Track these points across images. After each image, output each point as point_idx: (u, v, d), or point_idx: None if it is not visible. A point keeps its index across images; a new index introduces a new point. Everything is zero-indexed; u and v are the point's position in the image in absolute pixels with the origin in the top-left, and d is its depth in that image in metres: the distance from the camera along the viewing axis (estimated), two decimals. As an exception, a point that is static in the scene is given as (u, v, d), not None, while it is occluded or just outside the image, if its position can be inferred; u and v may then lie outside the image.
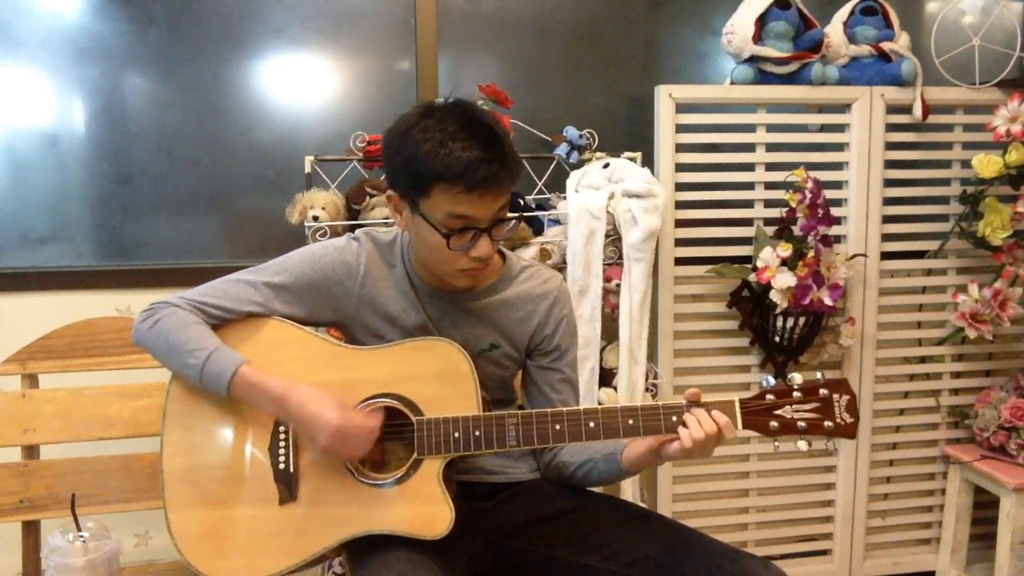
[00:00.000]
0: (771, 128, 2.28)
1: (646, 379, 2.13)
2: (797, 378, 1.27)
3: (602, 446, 1.42)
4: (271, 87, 2.32)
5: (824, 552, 2.45)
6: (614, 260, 2.10)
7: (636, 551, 1.35)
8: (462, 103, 1.29)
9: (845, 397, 1.27)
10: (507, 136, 1.27)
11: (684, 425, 1.26)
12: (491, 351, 1.44)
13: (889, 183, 2.33)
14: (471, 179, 1.21)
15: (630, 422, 1.28)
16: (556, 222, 2.15)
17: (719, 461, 2.34)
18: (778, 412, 1.26)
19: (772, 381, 1.28)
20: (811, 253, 2.08)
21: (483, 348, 1.43)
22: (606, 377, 2.13)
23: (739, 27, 2.19)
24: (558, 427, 1.30)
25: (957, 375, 2.45)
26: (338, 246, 1.41)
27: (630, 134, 2.44)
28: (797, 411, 1.26)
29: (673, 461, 1.32)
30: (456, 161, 1.21)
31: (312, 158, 2.07)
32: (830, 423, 1.26)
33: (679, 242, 2.25)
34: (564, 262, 2.09)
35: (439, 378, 1.32)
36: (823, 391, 1.27)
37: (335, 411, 1.24)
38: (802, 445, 1.27)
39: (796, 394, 1.27)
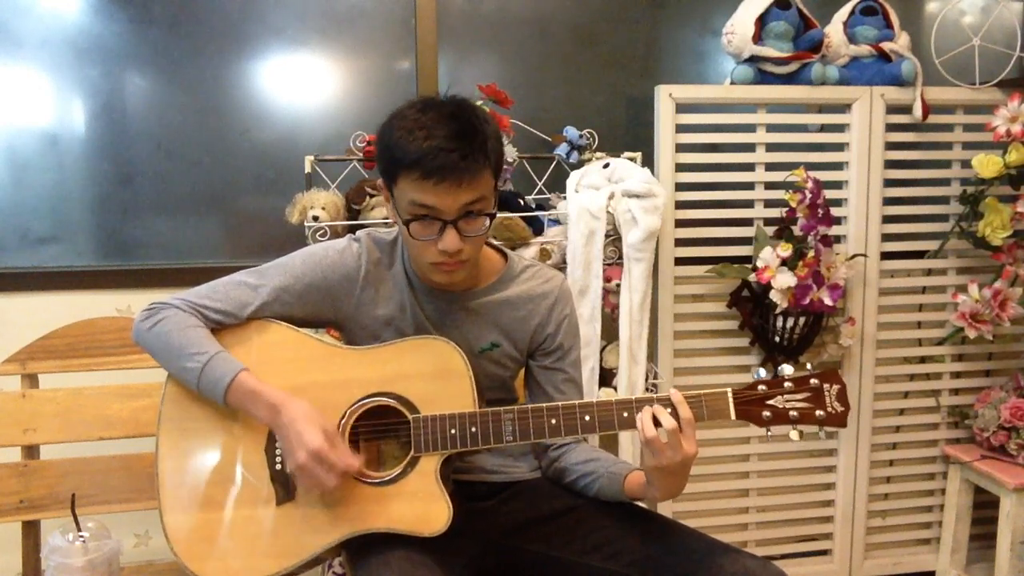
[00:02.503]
0: (771, 128, 2.28)
1: (646, 379, 2.13)
2: (787, 369, 1.29)
3: (609, 463, 1.42)
4: (271, 87, 2.32)
5: (824, 552, 2.45)
6: (614, 260, 2.11)
7: (636, 551, 1.34)
8: (455, 99, 1.29)
9: (835, 387, 1.28)
10: (490, 135, 1.26)
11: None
12: (492, 350, 1.44)
13: (889, 183, 2.33)
14: (427, 166, 1.21)
15: (624, 415, 1.28)
16: (556, 222, 2.15)
17: (719, 461, 2.34)
18: (770, 402, 1.28)
19: (764, 373, 1.29)
20: (811, 253, 2.08)
21: (484, 347, 1.43)
22: (606, 377, 2.13)
23: (739, 27, 2.19)
24: (554, 422, 1.30)
25: (957, 375, 2.45)
26: (338, 247, 1.41)
27: (630, 134, 2.44)
28: (789, 400, 1.28)
29: (666, 489, 1.29)
30: (416, 149, 1.21)
31: (312, 158, 2.07)
32: (821, 412, 1.27)
33: (679, 242, 2.25)
34: (564, 262, 2.09)
35: (435, 376, 1.32)
36: (813, 381, 1.28)
37: (320, 436, 1.23)
38: (794, 435, 1.28)
39: (787, 384, 1.28)
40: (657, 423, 1.23)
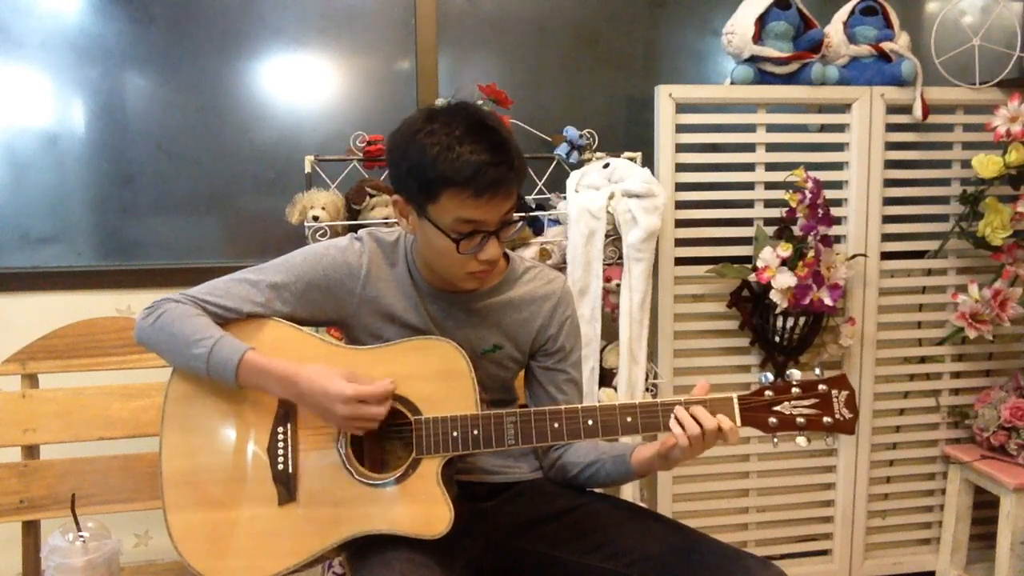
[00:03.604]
0: (771, 128, 2.28)
1: (646, 379, 2.13)
2: (796, 374, 1.27)
3: (610, 447, 1.42)
4: (271, 87, 2.32)
5: (824, 552, 2.45)
6: (614, 260, 2.10)
7: (636, 551, 1.35)
8: (465, 105, 1.29)
9: (844, 393, 1.26)
10: (513, 138, 1.27)
11: (678, 422, 1.25)
12: (494, 352, 1.44)
13: (889, 183, 2.33)
14: (480, 183, 1.20)
15: (628, 419, 1.28)
16: (556, 222, 2.15)
17: (719, 461, 2.34)
18: (777, 408, 1.26)
19: (770, 378, 1.28)
20: (811, 253, 2.08)
21: (486, 349, 1.43)
22: (606, 377, 2.13)
23: (739, 27, 2.19)
24: (556, 425, 1.30)
25: (957, 375, 2.45)
26: (340, 246, 1.41)
27: (630, 134, 2.44)
28: (796, 407, 1.26)
29: (679, 463, 1.31)
30: (465, 165, 1.20)
31: (312, 158, 2.07)
32: (829, 419, 1.26)
33: (679, 242, 2.25)
34: (564, 262, 2.09)
35: (437, 377, 1.32)
36: (822, 387, 1.26)
37: (343, 383, 1.25)
38: (801, 441, 1.26)
39: (795, 390, 1.27)
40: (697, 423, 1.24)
